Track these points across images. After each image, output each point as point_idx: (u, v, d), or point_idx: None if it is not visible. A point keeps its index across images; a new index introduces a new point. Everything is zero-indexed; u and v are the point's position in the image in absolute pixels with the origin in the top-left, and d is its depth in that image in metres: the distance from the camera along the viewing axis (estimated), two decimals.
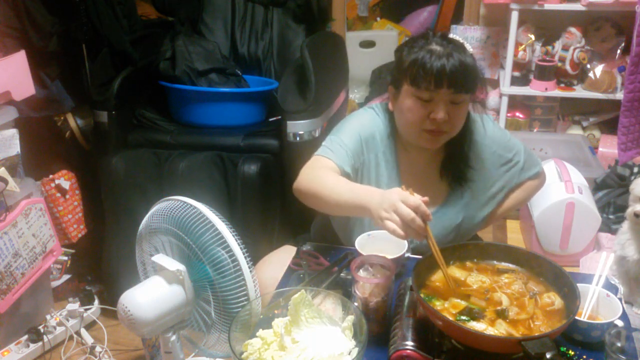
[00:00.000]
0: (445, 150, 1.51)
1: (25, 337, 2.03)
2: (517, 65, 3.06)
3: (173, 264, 1.19)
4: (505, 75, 3.03)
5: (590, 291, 1.21)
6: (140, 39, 2.34)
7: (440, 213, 1.52)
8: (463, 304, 1.11)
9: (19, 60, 1.93)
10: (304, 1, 2.56)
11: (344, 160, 1.43)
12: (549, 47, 3.02)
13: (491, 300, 1.12)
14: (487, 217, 1.59)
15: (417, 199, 1.13)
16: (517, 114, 3.19)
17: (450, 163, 1.51)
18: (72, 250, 2.40)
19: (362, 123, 1.50)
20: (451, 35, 1.39)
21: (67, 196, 2.30)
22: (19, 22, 2.14)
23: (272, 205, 2.23)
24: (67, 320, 2.15)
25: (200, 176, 2.14)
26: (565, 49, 2.99)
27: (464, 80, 1.33)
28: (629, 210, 1.29)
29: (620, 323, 1.14)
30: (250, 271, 1.15)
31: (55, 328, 2.10)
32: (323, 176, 1.38)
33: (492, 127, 1.55)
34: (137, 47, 2.29)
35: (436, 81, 1.32)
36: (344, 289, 1.30)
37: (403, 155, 1.51)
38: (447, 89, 1.32)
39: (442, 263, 1.16)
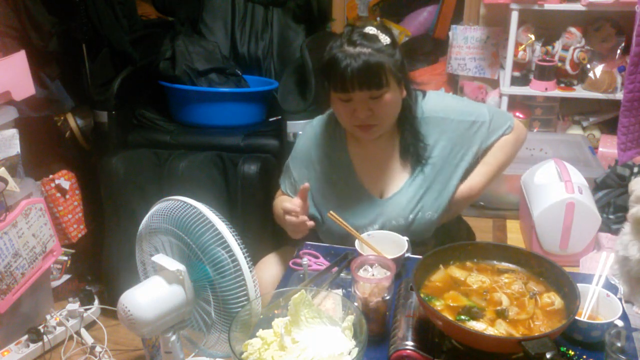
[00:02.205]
0: (398, 132, 1.55)
1: (25, 337, 2.03)
2: (517, 65, 3.06)
3: (173, 264, 1.19)
4: (505, 75, 3.03)
5: (590, 291, 1.21)
6: (140, 39, 2.34)
7: (404, 190, 1.54)
8: (464, 298, 1.11)
9: (19, 60, 1.93)
10: (304, 1, 2.56)
11: (289, 187, 1.66)
12: (549, 47, 3.02)
13: (491, 300, 1.12)
14: (459, 185, 1.56)
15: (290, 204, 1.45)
16: (517, 114, 3.19)
17: (406, 143, 1.55)
18: (72, 250, 2.40)
19: (301, 138, 1.65)
20: (367, 29, 1.41)
21: (67, 196, 2.30)
22: (19, 22, 2.15)
23: (272, 205, 2.22)
24: (67, 320, 2.15)
25: (200, 176, 2.14)
26: (565, 49, 2.99)
27: (369, 80, 1.37)
28: (633, 211, 1.29)
29: (620, 323, 1.14)
30: (250, 271, 1.15)
31: (55, 328, 2.10)
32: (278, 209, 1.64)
33: (444, 98, 1.59)
34: (137, 47, 2.30)
35: (344, 85, 1.38)
36: (344, 289, 1.30)
37: (354, 147, 1.58)
38: (359, 90, 1.37)
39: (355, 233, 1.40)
